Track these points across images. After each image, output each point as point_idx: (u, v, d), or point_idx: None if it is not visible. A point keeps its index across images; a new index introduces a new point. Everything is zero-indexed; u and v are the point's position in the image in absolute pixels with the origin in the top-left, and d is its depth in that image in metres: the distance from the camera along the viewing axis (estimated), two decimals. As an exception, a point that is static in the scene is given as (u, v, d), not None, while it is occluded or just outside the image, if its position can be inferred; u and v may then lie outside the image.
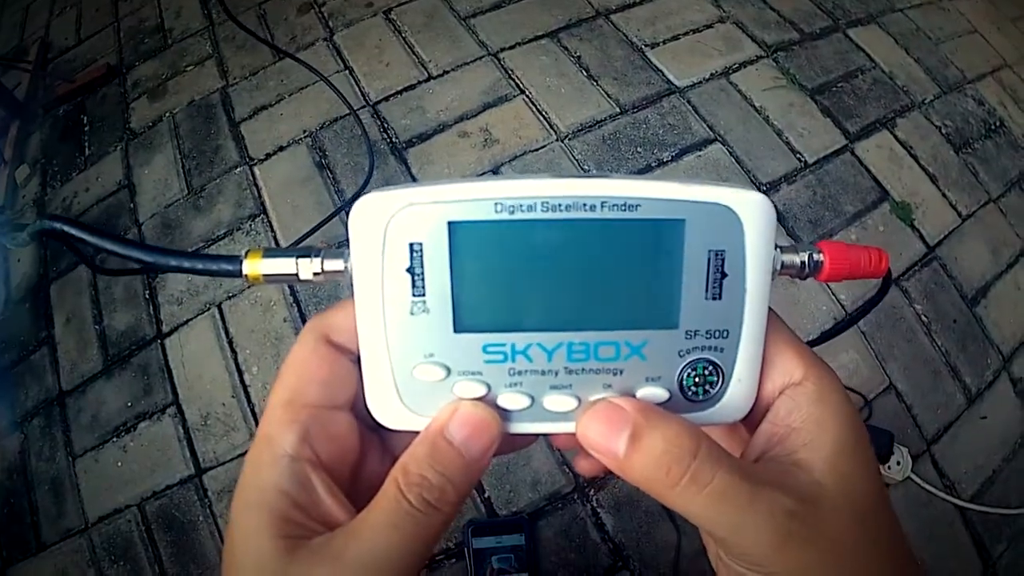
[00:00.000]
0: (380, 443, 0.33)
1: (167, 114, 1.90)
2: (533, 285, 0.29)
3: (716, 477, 0.26)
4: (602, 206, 0.27)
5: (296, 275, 0.31)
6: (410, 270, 0.28)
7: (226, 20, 2.05)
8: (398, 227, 0.28)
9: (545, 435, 0.32)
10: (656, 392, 0.30)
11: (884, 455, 1.28)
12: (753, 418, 0.31)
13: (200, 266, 0.33)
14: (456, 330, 0.29)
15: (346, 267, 0.30)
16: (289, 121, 1.79)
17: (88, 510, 1.40)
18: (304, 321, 1.44)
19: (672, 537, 1.25)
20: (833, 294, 1.45)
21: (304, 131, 1.76)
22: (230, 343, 1.48)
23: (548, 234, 0.28)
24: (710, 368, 0.29)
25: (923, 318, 1.48)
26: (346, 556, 0.26)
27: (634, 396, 0.30)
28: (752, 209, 0.28)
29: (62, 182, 1.90)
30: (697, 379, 0.30)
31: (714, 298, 0.29)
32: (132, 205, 1.74)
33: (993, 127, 1.81)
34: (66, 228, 0.35)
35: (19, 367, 1.61)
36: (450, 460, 0.28)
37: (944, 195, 1.65)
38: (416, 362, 0.29)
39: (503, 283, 0.29)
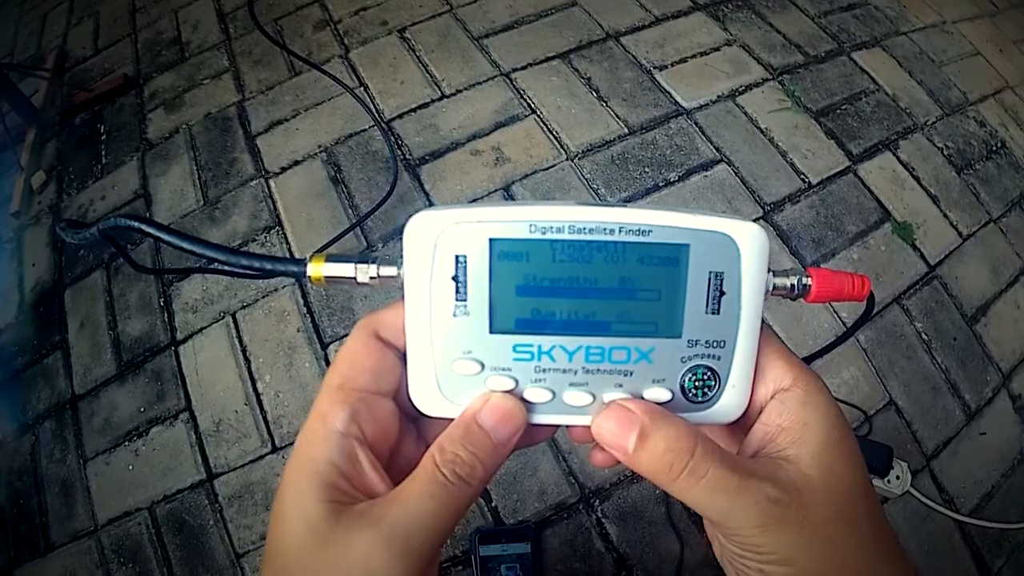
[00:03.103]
0: (416, 431, 0.37)
1: (184, 126, 1.93)
2: (559, 295, 0.33)
3: (709, 471, 0.30)
4: (620, 230, 0.32)
5: (354, 278, 0.35)
6: (455, 278, 0.32)
7: (243, 35, 2.08)
8: (446, 241, 0.32)
9: (564, 427, 0.35)
10: (661, 392, 0.34)
11: (884, 470, 1.29)
12: (748, 419, 0.34)
13: (268, 267, 0.37)
14: (491, 331, 0.33)
15: (399, 273, 0.34)
16: (305, 136, 1.81)
17: (98, 512, 1.41)
18: (317, 331, 1.48)
19: (675, 548, 1.27)
20: (835, 312, 1.47)
21: (319, 146, 1.78)
22: (244, 351, 1.49)
23: (573, 252, 0.32)
24: (708, 373, 0.33)
25: (923, 336, 1.50)
26: (386, 520, 0.29)
27: (642, 395, 0.34)
28: (748, 238, 0.32)
29: (78, 189, 1.92)
30: (697, 383, 0.33)
31: (713, 313, 0.33)
32: (148, 214, 1.75)
33: (994, 148, 1.83)
34: (143, 226, 0.38)
35: (31, 370, 1.63)
36: (480, 442, 0.32)
37: (945, 215, 1.67)
38: (455, 357, 0.33)
39: (533, 292, 0.33)
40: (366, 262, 0.35)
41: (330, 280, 0.35)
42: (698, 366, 0.33)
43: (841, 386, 1.42)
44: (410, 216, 0.32)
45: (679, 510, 1.29)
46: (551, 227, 0.32)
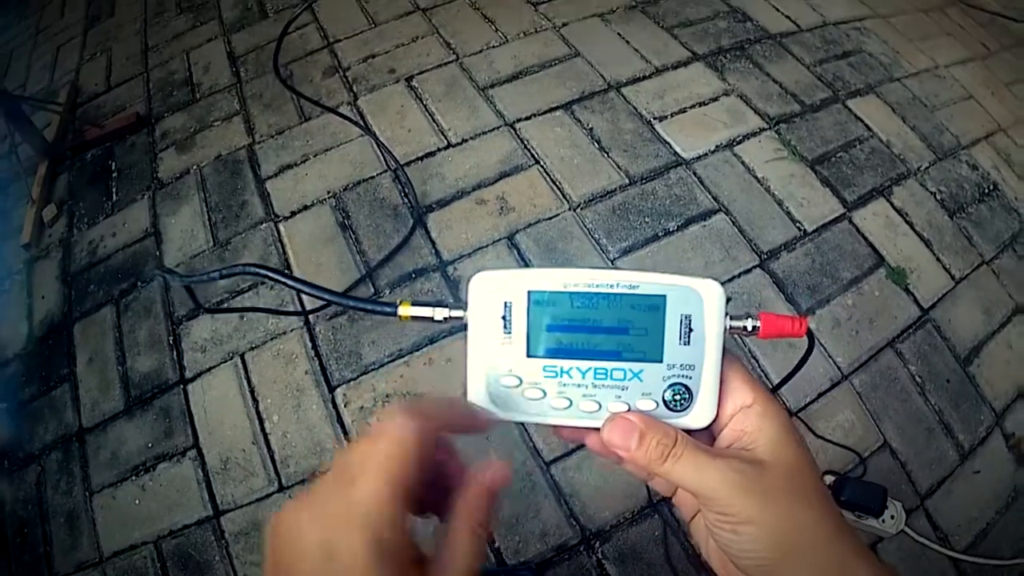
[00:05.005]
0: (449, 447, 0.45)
1: (194, 167, 1.97)
2: (576, 331, 0.44)
3: (684, 453, 0.41)
4: (617, 285, 0.43)
5: (432, 318, 0.46)
6: (503, 318, 0.44)
7: (254, 78, 2.13)
8: (498, 292, 0.44)
9: (555, 427, 0.46)
10: (648, 403, 0.44)
11: (878, 510, 1.31)
12: (719, 427, 0.45)
13: (369, 307, 0.48)
14: (528, 356, 0.44)
15: (464, 315, 0.45)
16: (314, 181, 1.84)
17: (103, 544, 1.42)
18: (324, 375, 1.52)
19: (673, 589, 1.28)
20: (830, 357, 1.51)
21: (328, 191, 1.82)
22: (252, 392, 1.52)
23: (586, 301, 0.44)
24: (683, 389, 0.44)
25: (917, 379, 1.52)
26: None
27: (635, 405, 0.44)
28: (709, 291, 0.43)
29: (89, 225, 1.95)
30: (675, 396, 0.44)
31: (685, 344, 0.44)
32: (158, 253, 1.80)
33: (987, 191, 1.87)
34: (270, 274, 0.50)
35: (39, 401, 1.65)
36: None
37: (938, 259, 1.70)
38: (501, 374, 0.45)
39: (558, 329, 0.44)
40: (442, 306, 0.46)
41: (415, 319, 0.46)
42: (675, 383, 0.44)
43: (836, 429, 1.44)
44: (473, 275, 0.44)
45: (677, 551, 1.31)
46: (571, 283, 0.43)
